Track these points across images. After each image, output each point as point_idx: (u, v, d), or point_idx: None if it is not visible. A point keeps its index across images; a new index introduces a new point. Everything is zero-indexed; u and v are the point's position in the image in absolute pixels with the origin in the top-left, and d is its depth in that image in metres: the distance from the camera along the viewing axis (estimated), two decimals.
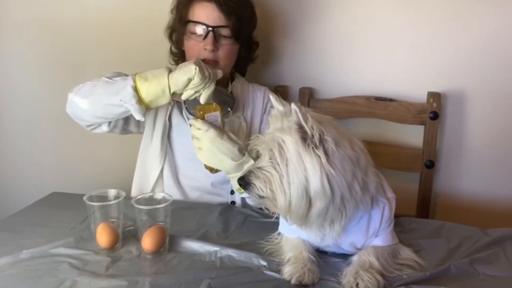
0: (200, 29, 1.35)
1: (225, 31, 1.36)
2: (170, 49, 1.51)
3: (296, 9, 1.68)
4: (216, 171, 1.24)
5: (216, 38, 1.34)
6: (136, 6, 1.79)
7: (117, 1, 1.81)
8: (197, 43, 1.36)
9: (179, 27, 1.41)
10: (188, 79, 1.15)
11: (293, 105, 0.92)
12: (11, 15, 1.93)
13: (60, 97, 1.91)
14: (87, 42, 1.88)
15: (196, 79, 1.15)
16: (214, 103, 1.24)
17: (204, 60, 1.34)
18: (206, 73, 1.17)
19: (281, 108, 1.01)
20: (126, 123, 1.38)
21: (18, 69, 1.99)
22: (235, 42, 1.39)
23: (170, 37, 1.49)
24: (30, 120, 2.02)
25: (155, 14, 1.76)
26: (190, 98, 1.21)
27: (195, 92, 1.18)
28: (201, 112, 1.22)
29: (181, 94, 1.20)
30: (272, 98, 1.04)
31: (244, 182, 0.97)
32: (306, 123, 0.91)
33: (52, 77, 1.95)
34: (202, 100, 1.20)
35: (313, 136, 0.91)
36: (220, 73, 1.23)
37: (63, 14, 1.88)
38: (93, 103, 1.22)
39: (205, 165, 1.24)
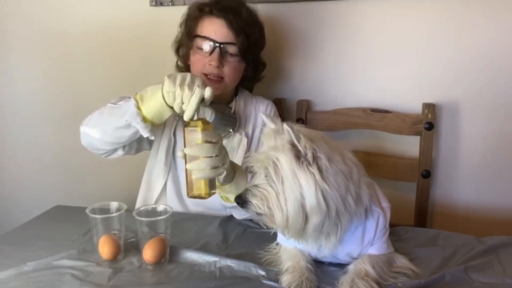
0: (207, 45, 1.36)
1: (232, 49, 1.37)
2: (177, 63, 1.54)
3: (294, 23, 1.72)
4: (210, 195, 1.13)
5: (222, 54, 1.36)
6: (138, 21, 1.84)
7: (116, 15, 1.86)
8: (203, 58, 1.37)
9: (186, 41, 1.43)
10: (167, 90, 1.10)
11: (285, 126, 0.94)
12: (14, 31, 1.98)
13: (63, 112, 1.97)
14: (89, 56, 1.93)
15: (166, 87, 1.09)
16: (201, 121, 1.11)
17: (207, 76, 1.37)
18: (177, 85, 1.08)
19: (272, 126, 1.03)
20: (139, 143, 1.39)
21: (21, 84, 2.03)
22: (241, 60, 1.41)
23: (177, 51, 1.51)
24: (33, 134, 2.06)
25: (156, 28, 1.81)
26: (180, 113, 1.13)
27: (180, 107, 1.10)
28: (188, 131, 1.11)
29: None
30: (264, 116, 1.06)
31: (242, 200, 0.99)
32: (299, 142, 0.93)
33: (55, 92, 1.99)
34: (184, 117, 1.09)
35: (306, 154, 0.93)
36: (209, 92, 1.08)
37: (65, 28, 1.93)
38: (103, 130, 1.24)
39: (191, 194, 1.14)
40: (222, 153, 1.10)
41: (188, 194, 1.12)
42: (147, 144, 1.43)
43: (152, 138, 1.19)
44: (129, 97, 1.23)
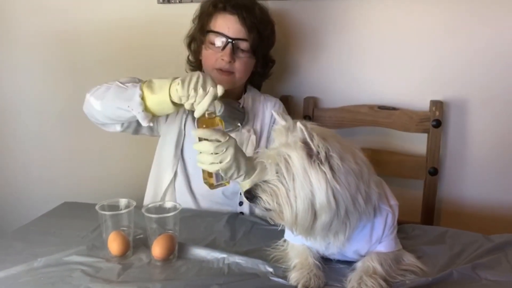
0: (220, 40, 1.38)
1: (244, 45, 1.40)
2: (188, 57, 1.55)
3: (301, 21, 1.72)
4: (216, 186, 1.23)
5: (234, 50, 1.38)
6: (145, 18, 1.84)
7: (124, 13, 1.86)
8: (215, 53, 1.39)
9: (199, 36, 1.45)
10: (180, 95, 1.15)
11: (298, 124, 0.94)
12: (22, 29, 1.98)
13: (70, 108, 1.97)
14: (97, 54, 1.93)
15: (179, 92, 1.14)
16: (217, 117, 1.22)
17: (220, 70, 1.39)
18: (191, 88, 1.14)
19: (283, 123, 1.03)
20: (139, 125, 1.38)
21: (29, 81, 2.04)
22: (252, 56, 1.43)
23: (189, 46, 1.53)
24: (42, 131, 2.07)
25: (164, 25, 1.82)
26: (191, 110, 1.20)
27: (191, 105, 1.16)
28: (204, 126, 1.20)
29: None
30: (275, 114, 1.07)
31: (251, 195, 0.99)
32: (312, 141, 0.93)
33: (63, 89, 2.00)
34: (195, 115, 1.18)
35: (318, 153, 0.93)
36: (221, 90, 1.17)
37: (72, 26, 1.93)
38: (105, 106, 1.26)
39: (205, 181, 1.24)
40: (220, 151, 1.15)
41: (204, 181, 1.24)
42: (147, 129, 1.43)
43: (151, 125, 1.23)
44: (139, 80, 1.27)
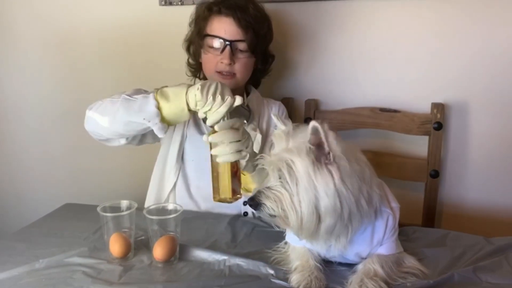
0: (217, 43, 1.39)
1: (242, 45, 1.40)
2: (188, 60, 1.56)
3: (302, 23, 1.72)
4: (234, 199, 1.17)
5: (233, 51, 1.39)
6: (147, 20, 1.85)
7: (125, 15, 1.87)
8: (214, 56, 1.40)
9: (197, 40, 1.45)
10: (195, 97, 1.14)
11: (314, 123, 0.92)
12: (22, 29, 1.99)
13: (71, 110, 1.98)
14: (99, 55, 1.94)
15: (198, 97, 1.13)
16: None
17: (221, 73, 1.39)
18: (210, 95, 1.12)
19: (283, 127, 1.03)
20: (143, 136, 1.39)
21: (30, 82, 2.04)
22: (251, 55, 1.43)
23: (188, 49, 1.54)
24: (43, 132, 2.07)
25: (165, 27, 1.82)
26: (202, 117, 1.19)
27: (204, 113, 1.15)
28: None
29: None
30: (274, 118, 1.07)
31: (255, 203, 0.99)
32: (327, 141, 0.93)
33: (63, 90, 2.01)
34: (208, 123, 1.15)
35: (329, 153, 0.93)
36: (239, 100, 1.15)
37: (74, 28, 1.94)
38: (114, 121, 1.23)
39: (220, 197, 1.17)
40: (244, 137, 1.15)
41: (214, 198, 1.16)
42: (151, 138, 1.42)
43: (164, 136, 1.21)
44: (145, 90, 1.25)
